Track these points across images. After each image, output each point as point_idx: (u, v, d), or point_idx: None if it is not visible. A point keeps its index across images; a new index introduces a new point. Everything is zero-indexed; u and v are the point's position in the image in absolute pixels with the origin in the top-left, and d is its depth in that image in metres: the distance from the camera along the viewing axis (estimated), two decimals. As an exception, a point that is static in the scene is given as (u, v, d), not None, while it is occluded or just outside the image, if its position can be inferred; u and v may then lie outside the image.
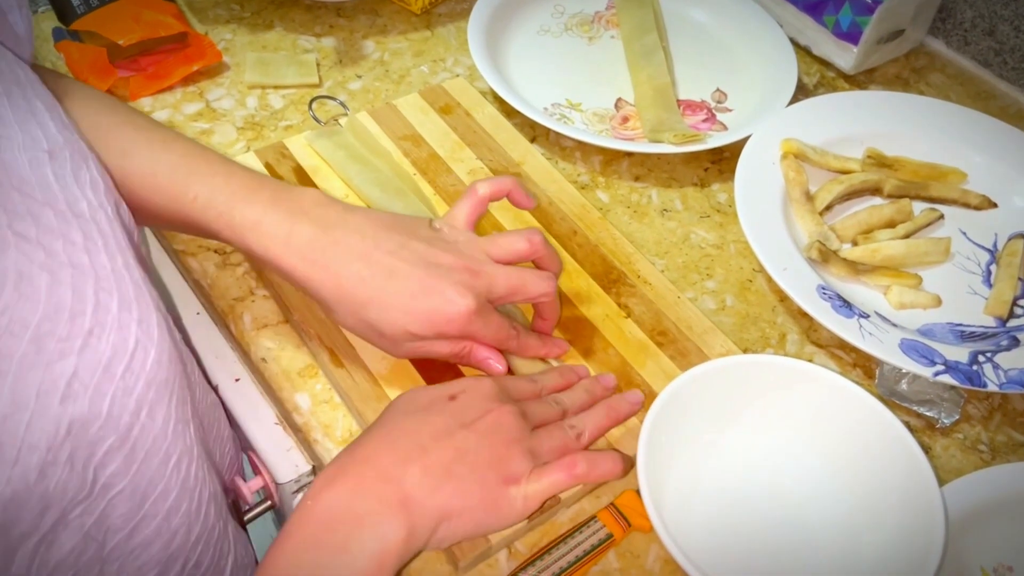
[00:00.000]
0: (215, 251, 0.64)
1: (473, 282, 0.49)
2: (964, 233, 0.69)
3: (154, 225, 0.54)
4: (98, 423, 0.35)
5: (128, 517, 0.39)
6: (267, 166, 0.66)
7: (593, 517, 0.51)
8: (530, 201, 0.55)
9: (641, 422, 0.50)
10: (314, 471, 0.56)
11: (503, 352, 0.53)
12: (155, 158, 0.50)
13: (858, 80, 0.84)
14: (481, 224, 0.64)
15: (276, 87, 0.76)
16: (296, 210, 0.49)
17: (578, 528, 0.50)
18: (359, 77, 0.79)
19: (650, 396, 0.54)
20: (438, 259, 0.49)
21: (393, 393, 0.54)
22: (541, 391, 0.52)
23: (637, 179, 0.73)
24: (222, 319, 0.61)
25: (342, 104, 0.74)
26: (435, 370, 0.55)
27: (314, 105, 0.74)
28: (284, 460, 0.56)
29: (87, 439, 0.35)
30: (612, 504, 0.52)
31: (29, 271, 0.34)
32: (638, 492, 0.50)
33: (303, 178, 0.66)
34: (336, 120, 0.71)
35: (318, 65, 0.78)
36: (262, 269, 0.60)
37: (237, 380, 0.59)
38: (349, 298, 0.48)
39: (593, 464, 0.48)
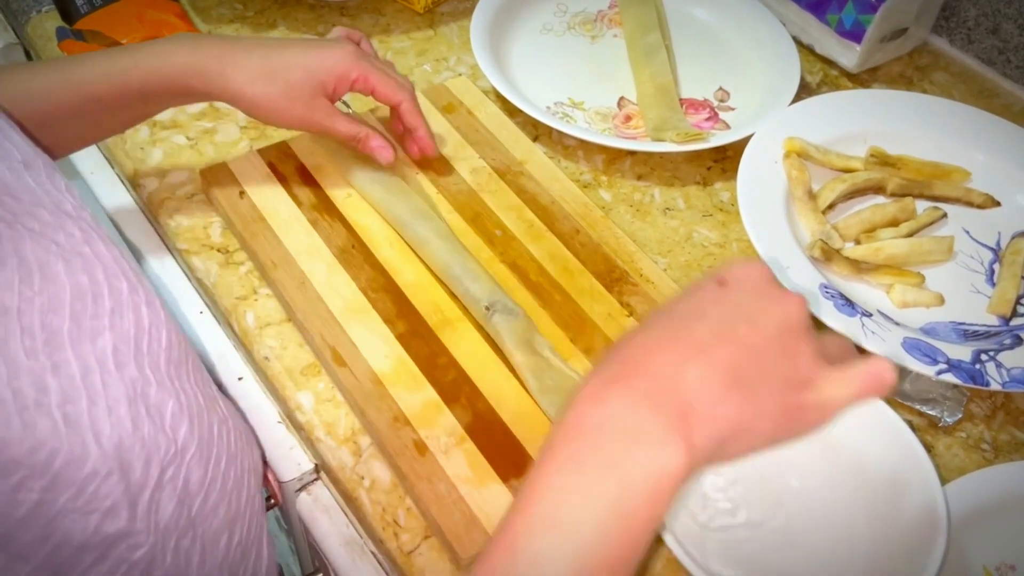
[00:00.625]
0: (218, 250, 0.64)
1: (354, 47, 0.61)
2: (967, 232, 0.69)
3: (103, 131, 0.63)
4: (153, 386, 0.38)
5: (201, 482, 0.41)
6: (270, 165, 0.67)
7: (595, 515, 0.51)
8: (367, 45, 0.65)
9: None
10: (317, 469, 0.56)
11: None
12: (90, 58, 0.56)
13: (861, 79, 0.84)
14: (485, 226, 0.64)
15: (279, 86, 0.76)
16: (195, 41, 0.58)
17: (580, 526, 0.50)
18: (362, 76, 0.79)
19: (652, 395, 0.54)
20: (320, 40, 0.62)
21: (394, 391, 0.54)
22: None
23: (640, 178, 0.73)
24: (225, 318, 0.61)
25: (345, 103, 0.74)
26: (436, 366, 0.56)
27: (317, 104, 0.74)
28: (287, 458, 0.56)
29: (153, 401, 0.37)
30: (614, 503, 0.52)
31: (47, 259, 0.36)
32: (640, 491, 0.50)
33: (306, 177, 0.66)
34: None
35: (321, 64, 0.78)
36: (264, 269, 0.60)
37: (240, 379, 0.59)
38: (259, 73, 0.57)
39: (894, 373, 0.38)
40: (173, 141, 0.71)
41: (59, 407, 0.34)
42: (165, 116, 0.73)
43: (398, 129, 0.66)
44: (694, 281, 0.42)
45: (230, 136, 0.72)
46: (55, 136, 0.55)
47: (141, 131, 0.71)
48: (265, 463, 0.57)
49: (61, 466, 0.33)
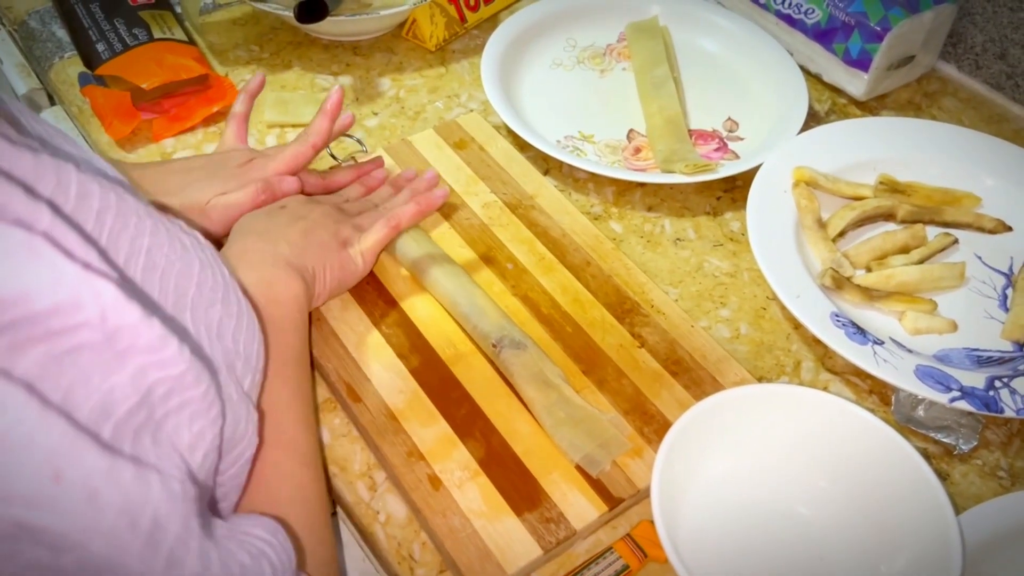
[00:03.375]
0: (236, 288, 0.65)
1: (249, 170, 0.63)
2: (979, 257, 0.69)
3: None
4: (240, 361, 0.41)
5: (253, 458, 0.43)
6: (286, 204, 0.68)
7: (609, 548, 0.51)
8: (257, 83, 0.68)
9: (656, 452, 0.50)
10: (333, 504, 0.57)
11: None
12: None
13: (870, 106, 0.85)
14: (497, 259, 0.65)
15: (295, 125, 0.78)
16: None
17: (594, 559, 0.51)
18: (375, 114, 0.80)
19: (665, 426, 0.55)
20: (217, 158, 0.64)
21: (409, 426, 0.55)
22: (347, 200, 0.66)
23: (650, 209, 0.73)
24: (242, 355, 0.62)
25: (359, 141, 0.76)
26: (450, 401, 0.56)
27: (331, 143, 0.75)
28: (304, 494, 0.57)
29: (238, 373, 0.41)
30: (628, 535, 0.52)
31: (177, 234, 0.40)
32: (654, 523, 0.50)
33: (321, 215, 0.67)
34: (353, 156, 0.73)
35: (335, 103, 0.80)
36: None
37: (257, 415, 0.60)
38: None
39: (403, 211, 0.61)
40: (191, 181, 0.72)
41: (189, 362, 0.36)
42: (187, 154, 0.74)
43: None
44: (259, 210, 0.61)
45: (247, 175, 0.73)
46: None
47: (160, 172, 0.73)
48: None
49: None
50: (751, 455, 0.54)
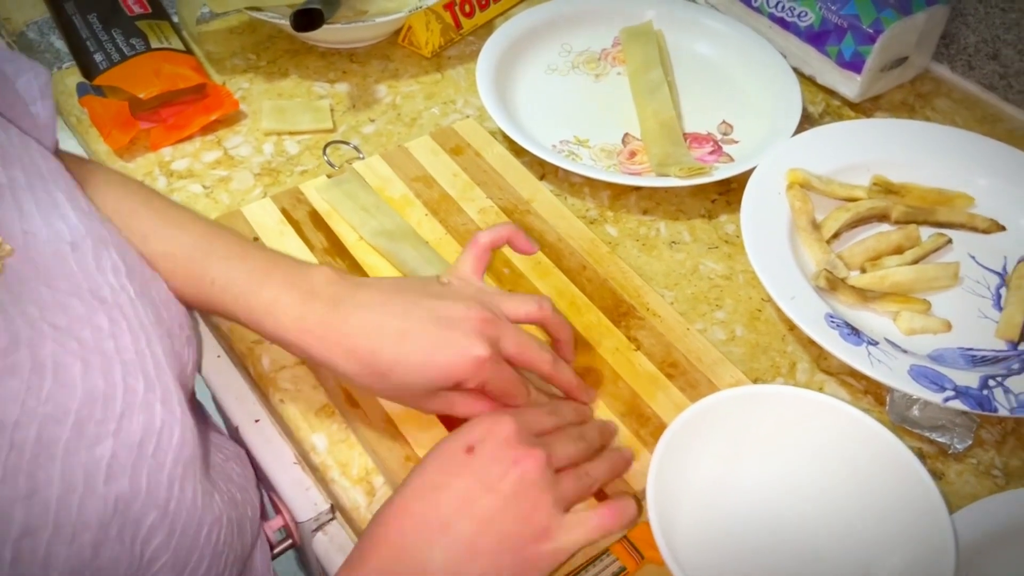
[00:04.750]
0: (234, 295, 0.65)
1: (485, 331, 0.48)
2: (973, 257, 0.69)
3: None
4: (139, 499, 0.37)
5: None
6: (283, 211, 0.68)
7: (606, 550, 0.52)
8: (531, 247, 0.56)
9: (651, 453, 0.51)
10: (332, 509, 0.57)
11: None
12: (173, 241, 0.51)
13: (864, 107, 0.85)
14: (494, 264, 0.66)
15: (292, 133, 0.79)
16: (308, 291, 0.49)
17: (591, 561, 0.51)
18: (372, 121, 0.81)
19: (661, 428, 0.55)
20: (449, 312, 0.49)
21: (407, 431, 0.55)
22: (560, 424, 0.51)
23: (645, 212, 0.74)
24: (242, 362, 0.62)
25: (355, 148, 0.76)
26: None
27: (328, 150, 0.76)
28: (303, 499, 0.57)
29: (132, 516, 0.37)
30: (625, 537, 0.52)
31: (64, 360, 0.36)
32: (651, 525, 0.51)
33: (318, 222, 0.68)
34: (349, 163, 0.73)
35: (332, 111, 0.81)
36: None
37: (257, 421, 0.61)
38: (368, 369, 0.48)
39: (620, 513, 0.47)
40: (189, 190, 0.73)
41: (15, 542, 0.33)
42: (181, 166, 0.75)
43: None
44: (444, 444, 0.47)
45: (245, 183, 0.74)
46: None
47: (159, 181, 0.74)
48: (263, 517, 0.58)
49: None
50: (746, 456, 0.54)
